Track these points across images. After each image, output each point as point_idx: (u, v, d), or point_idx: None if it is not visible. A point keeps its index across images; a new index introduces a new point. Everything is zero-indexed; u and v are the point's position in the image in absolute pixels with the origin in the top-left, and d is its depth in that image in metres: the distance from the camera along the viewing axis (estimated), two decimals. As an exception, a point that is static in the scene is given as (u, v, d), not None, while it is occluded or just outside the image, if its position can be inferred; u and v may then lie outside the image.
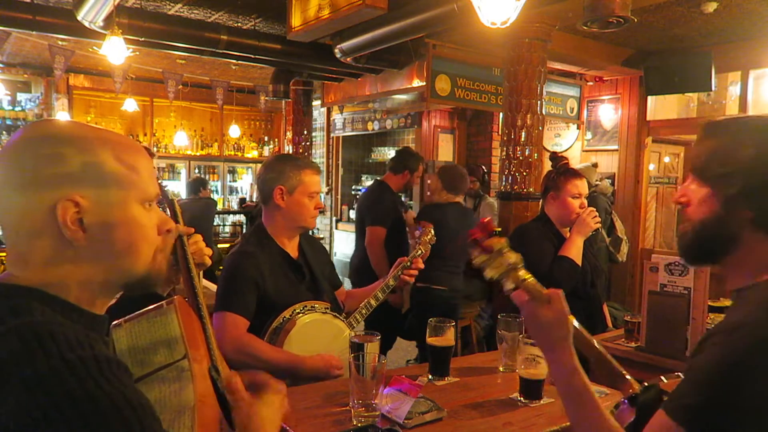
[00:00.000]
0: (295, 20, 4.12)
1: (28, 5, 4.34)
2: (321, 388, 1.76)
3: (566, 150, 6.02)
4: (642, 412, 1.01)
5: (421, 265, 2.18)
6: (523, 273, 1.07)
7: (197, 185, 6.50)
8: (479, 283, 4.52)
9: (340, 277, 2.40)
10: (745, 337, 0.86)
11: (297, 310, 1.95)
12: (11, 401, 0.64)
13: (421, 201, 6.62)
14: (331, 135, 8.34)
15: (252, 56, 5.07)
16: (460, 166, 4.30)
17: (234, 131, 8.22)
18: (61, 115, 7.12)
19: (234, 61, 5.54)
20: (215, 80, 7.14)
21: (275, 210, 2.05)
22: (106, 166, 0.80)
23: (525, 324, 1.11)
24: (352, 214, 7.07)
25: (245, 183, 9.23)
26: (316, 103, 7.19)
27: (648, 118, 5.48)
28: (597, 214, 2.54)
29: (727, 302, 2.58)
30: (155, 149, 8.13)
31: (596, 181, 4.95)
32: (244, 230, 8.29)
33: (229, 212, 8.72)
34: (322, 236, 8.03)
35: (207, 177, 8.35)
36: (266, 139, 9.26)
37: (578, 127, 5.93)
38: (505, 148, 3.99)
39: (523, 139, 3.89)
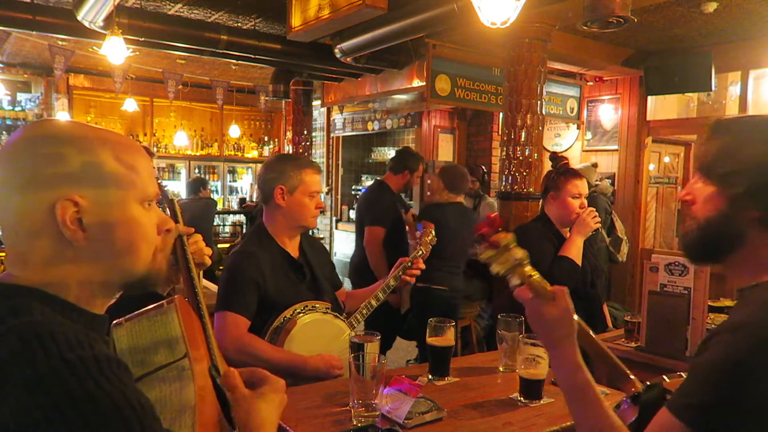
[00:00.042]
0: (295, 20, 4.12)
1: (28, 5, 4.34)
2: (321, 388, 1.76)
3: (566, 150, 6.02)
4: (645, 410, 1.01)
5: (422, 266, 2.18)
6: (529, 269, 1.07)
7: (197, 185, 6.50)
8: (479, 283, 4.52)
9: (340, 277, 2.40)
10: (747, 337, 0.86)
11: (298, 310, 1.95)
12: (11, 401, 0.64)
13: (421, 201, 6.62)
14: (331, 135, 8.34)
15: (252, 56, 5.07)
16: (461, 166, 4.30)
17: (234, 131, 8.22)
18: (61, 115, 7.12)
19: (234, 61, 5.54)
20: (215, 80, 7.14)
21: (276, 210, 2.05)
22: (105, 166, 0.80)
23: (529, 321, 1.10)
24: (352, 214, 7.07)
25: (245, 183, 9.23)
26: (316, 103, 7.20)
27: (648, 118, 5.48)
28: (597, 214, 2.54)
29: (727, 302, 2.58)
30: (155, 149, 8.13)
31: (596, 181, 4.95)
32: (244, 230, 8.30)
33: (229, 212, 8.72)
34: (322, 236, 8.04)
35: (207, 177, 8.35)
36: (266, 139, 9.26)
37: (578, 127, 5.93)
38: (505, 148, 3.99)
39: (523, 139, 3.89)
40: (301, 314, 1.94)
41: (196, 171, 8.55)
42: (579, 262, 2.47)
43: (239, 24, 4.99)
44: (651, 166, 5.73)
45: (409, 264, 2.15)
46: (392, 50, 4.85)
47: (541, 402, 1.68)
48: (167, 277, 1.18)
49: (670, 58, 4.96)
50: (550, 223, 2.58)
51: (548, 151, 5.21)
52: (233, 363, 1.70)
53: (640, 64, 5.10)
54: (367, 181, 7.93)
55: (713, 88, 4.88)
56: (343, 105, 7.52)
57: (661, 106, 5.70)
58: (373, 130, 7.58)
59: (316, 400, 1.65)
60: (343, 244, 7.98)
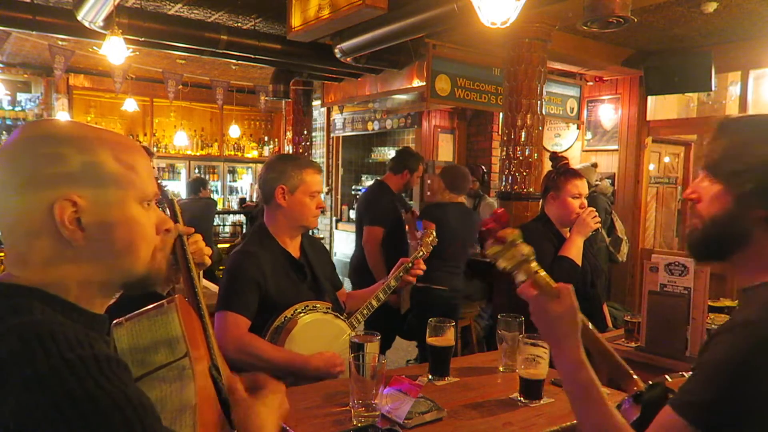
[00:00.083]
0: (295, 20, 4.12)
1: (28, 5, 4.34)
2: (321, 388, 1.76)
3: (566, 150, 6.02)
4: (647, 409, 1.01)
5: (423, 267, 2.18)
6: (535, 265, 1.07)
7: (197, 185, 6.50)
8: (479, 283, 4.53)
9: (340, 277, 2.40)
10: (751, 336, 0.86)
11: (298, 310, 1.95)
12: (11, 401, 0.64)
13: (421, 201, 6.62)
14: (331, 135, 8.34)
15: (252, 56, 5.07)
16: (462, 166, 4.30)
17: (234, 131, 8.22)
18: (61, 115, 7.12)
19: (234, 61, 5.54)
20: (215, 80, 7.15)
21: (277, 209, 2.05)
22: (105, 166, 0.80)
23: (533, 317, 1.09)
24: (352, 214, 7.07)
25: (245, 183, 9.23)
26: (316, 103, 7.20)
27: (648, 118, 5.48)
28: (597, 214, 2.54)
29: (728, 302, 2.58)
30: (155, 149, 8.13)
31: (596, 181, 4.95)
32: (244, 230, 8.29)
33: (229, 212, 8.72)
34: (322, 236, 8.04)
35: (207, 177, 8.35)
36: (266, 139, 9.26)
37: (578, 127, 5.93)
38: (505, 148, 3.99)
39: (523, 139, 3.89)
40: (302, 314, 1.94)
41: (196, 171, 8.55)
42: (579, 262, 2.47)
43: (239, 24, 5.00)
44: (651, 166, 5.74)
45: (410, 265, 2.15)
46: (392, 50, 4.85)
47: (541, 402, 1.68)
48: (167, 277, 1.18)
49: (670, 58, 4.96)
50: (550, 223, 2.58)
51: (548, 151, 5.21)
52: (234, 362, 1.71)
53: (640, 64, 5.10)
54: (367, 181, 7.93)
55: (713, 88, 4.88)
56: (343, 105, 7.53)
57: (661, 106, 5.70)
58: (373, 130, 7.58)
59: (316, 400, 1.65)
60: (343, 244, 7.98)
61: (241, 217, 8.52)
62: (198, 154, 8.64)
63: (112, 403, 0.65)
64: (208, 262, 1.34)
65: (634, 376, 1.13)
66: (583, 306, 2.41)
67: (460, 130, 7.03)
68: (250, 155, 9.10)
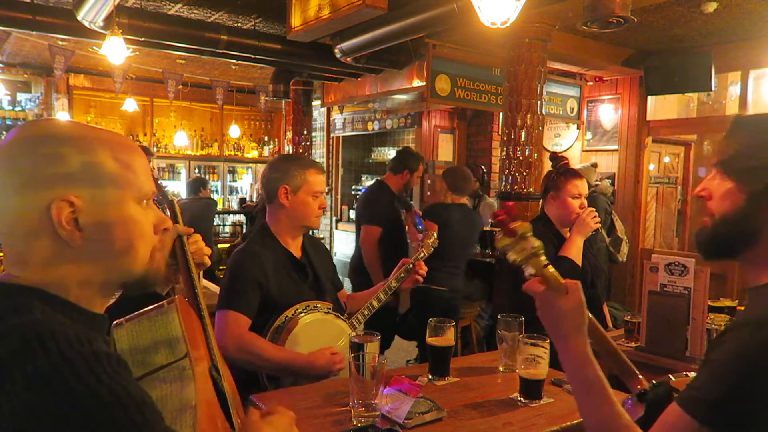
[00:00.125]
0: (295, 20, 4.12)
1: (28, 5, 4.34)
2: (321, 388, 1.76)
3: (566, 150, 6.02)
4: (651, 408, 1.01)
5: (425, 268, 2.18)
6: (544, 259, 1.06)
7: (197, 185, 6.50)
8: (479, 283, 4.53)
9: (340, 277, 2.41)
10: (760, 334, 0.86)
11: (299, 310, 1.95)
12: (13, 400, 0.64)
13: (421, 201, 6.62)
14: (331, 135, 8.34)
15: (252, 56, 5.07)
16: (464, 167, 4.31)
17: (234, 131, 8.22)
18: (61, 115, 7.12)
19: (234, 61, 5.54)
20: (215, 80, 7.15)
21: (279, 209, 2.06)
22: (103, 166, 0.80)
23: (539, 312, 1.08)
24: (352, 214, 7.07)
25: (245, 183, 9.22)
26: (316, 103, 7.20)
27: (648, 118, 5.48)
28: (597, 214, 2.54)
29: (728, 302, 2.58)
30: (155, 149, 8.13)
31: (596, 181, 4.95)
32: (244, 230, 8.29)
33: (229, 212, 8.72)
34: (322, 236, 8.03)
35: (207, 177, 8.35)
36: (266, 139, 9.26)
37: (578, 127, 5.93)
38: (505, 148, 3.99)
39: (523, 139, 3.89)
40: (303, 314, 1.94)
41: (196, 171, 8.55)
42: (579, 262, 2.47)
43: (239, 24, 5.00)
44: (651, 166, 5.74)
45: (411, 266, 2.15)
46: (392, 50, 4.85)
47: (541, 402, 1.68)
48: (166, 277, 1.18)
49: (670, 58, 4.96)
50: (550, 223, 2.58)
51: (548, 151, 5.21)
52: (234, 362, 1.71)
53: (640, 64, 5.10)
54: (367, 181, 7.93)
55: (713, 88, 4.88)
56: (343, 105, 7.53)
57: (661, 106, 5.70)
58: (373, 130, 7.58)
59: (316, 400, 1.65)
60: (343, 244, 7.98)
61: (241, 217, 8.52)
62: (198, 154, 8.64)
63: (114, 400, 0.66)
64: (208, 262, 1.34)
65: (639, 375, 1.12)
66: (583, 306, 2.35)
67: (460, 130, 7.03)
68: (250, 155, 9.10)
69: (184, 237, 1.20)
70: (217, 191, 8.76)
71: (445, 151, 6.98)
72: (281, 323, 1.92)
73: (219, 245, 7.09)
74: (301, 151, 6.62)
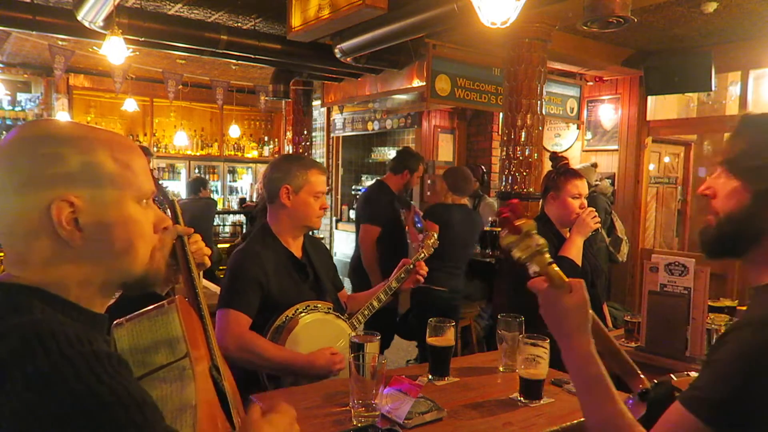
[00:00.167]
0: (295, 20, 4.12)
1: (28, 5, 4.34)
2: (321, 388, 1.76)
3: (566, 150, 6.02)
4: (653, 407, 1.01)
5: (425, 269, 2.18)
6: (548, 257, 1.07)
7: (197, 185, 6.50)
8: (479, 283, 4.53)
9: (341, 277, 2.41)
10: (764, 334, 0.86)
11: (300, 310, 1.95)
12: (13, 400, 0.64)
13: (421, 201, 6.62)
14: (331, 135, 8.34)
15: (252, 56, 5.07)
16: (465, 167, 4.31)
17: (234, 131, 8.22)
18: (61, 115, 7.12)
19: (234, 61, 5.54)
20: (215, 80, 7.15)
21: (281, 209, 2.06)
22: (103, 166, 0.80)
23: (543, 311, 1.08)
24: (353, 214, 7.07)
25: (245, 183, 9.22)
26: (316, 103, 7.20)
27: (648, 118, 5.48)
28: (597, 214, 2.54)
29: (728, 302, 2.58)
30: (155, 149, 8.13)
31: (596, 181, 4.95)
32: (244, 230, 8.29)
33: (229, 212, 8.72)
34: (322, 236, 8.04)
35: (207, 177, 8.35)
36: (266, 139, 9.26)
37: (578, 127, 5.93)
38: (505, 148, 3.99)
39: (523, 139, 3.89)
40: (303, 314, 1.95)
41: (196, 171, 8.55)
42: (579, 262, 2.47)
43: (239, 24, 5.00)
44: (651, 166, 5.74)
45: (412, 266, 2.15)
46: (392, 50, 4.85)
47: (541, 402, 1.68)
48: (166, 278, 1.18)
49: (670, 58, 4.96)
50: (550, 223, 2.58)
51: (548, 151, 5.21)
52: (234, 361, 1.71)
53: (640, 64, 5.10)
54: (367, 181, 7.93)
55: (713, 88, 4.88)
56: (343, 105, 7.53)
57: (661, 106, 5.70)
58: (373, 130, 7.58)
59: (316, 400, 1.65)
60: (343, 244, 7.98)
61: (241, 217, 8.52)
62: (198, 154, 8.64)
63: (115, 399, 0.66)
64: (208, 263, 1.34)
65: (641, 375, 1.12)
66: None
67: (460, 130, 7.03)
68: (250, 155, 9.10)
69: (185, 237, 1.20)
70: (217, 191, 8.76)
71: (445, 151, 6.98)
72: (281, 323, 1.92)
73: (219, 245, 7.09)
74: (301, 151, 6.62)
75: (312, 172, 2.06)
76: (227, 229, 8.61)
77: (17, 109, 7.20)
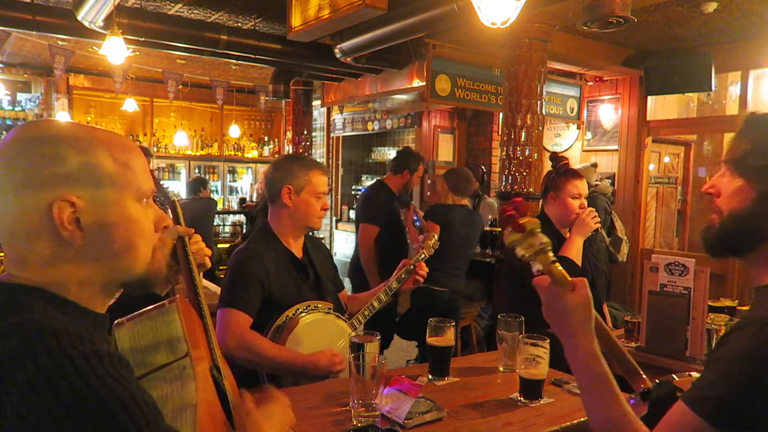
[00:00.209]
0: (295, 20, 4.12)
1: (28, 5, 4.34)
2: (321, 388, 1.76)
3: (566, 150, 6.02)
4: (655, 406, 1.01)
5: (425, 270, 2.18)
6: (551, 255, 1.07)
7: (197, 185, 6.50)
8: (479, 283, 4.53)
9: (341, 277, 2.41)
10: (765, 331, 0.86)
11: (300, 310, 1.95)
12: (15, 399, 0.64)
13: (421, 201, 6.62)
14: (331, 135, 8.34)
15: (252, 56, 5.07)
16: (466, 168, 4.32)
17: (234, 131, 8.22)
18: (61, 115, 7.12)
19: (234, 61, 5.54)
20: (215, 80, 7.14)
21: (282, 209, 2.06)
22: (102, 166, 0.80)
23: (545, 309, 1.08)
24: (353, 215, 7.07)
25: (245, 183, 9.22)
26: (316, 103, 7.20)
27: (648, 118, 5.48)
28: (596, 214, 2.54)
29: (728, 302, 2.58)
30: (155, 149, 8.13)
31: (596, 181, 4.95)
32: (244, 230, 8.29)
33: (229, 212, 8.72)
34: (322, 236, 8.03)
35: (207, 177, 8.35)
36: (266, 139, 9.26)
37: (578, 127, 5.93)
38: (505, 148, 3.99)
39: (523, 139, 3.90)
40: (304, 314, 1.95)
41: (196, 171, 8.55)
42: (579, 262, 2.47)
43: (239, 24, 5.00)
44: (651, 166, 5.74)
45: (412, 267, 2.15)
46: (392, 50, 4.85)
47: (541, 402, 1.68)
48: (166, 278, 1.18)
49: (670, 58, 4.96)
50: (549, 223, 2.58)
51: (548, 151, 5.21)
52: (235, 360, 1.71)
53: (640, 64, 5.10)
54: (367, 181, 7.93)
55: (713, 88, 4.88)
56: (343, 105, 7.52)
57: (661, 106, 5.70)
58: (373, 130, 7.58)
59: (316, 400, 1.65)
60: (343, 244, 7.98)
61: (241, 217, 8.52)
62: (198, 154, 8.64)
63: (116, 399, 0.66)
64: (209, 263, 1.34)
65: (643, 375, 1.12)
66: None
67: (460, 130, 7.03)
68: (250, 155, 9.09)
69: (186, 237, 1.20)
70: (217, 191, 8.76)
71: (445, 151, 6.98)
72: (282, 323, 1.93)
73: (219, 245, 7.09)
74: (301, 151, 6.62)
75: (314, 173, 2.07)
76: (227, 229, 8.61)
77: (17, 109, 7.20)
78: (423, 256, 2.21)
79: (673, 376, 1.11)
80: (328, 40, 4.65)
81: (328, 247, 7.88)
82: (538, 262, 1.06)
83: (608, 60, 5.01)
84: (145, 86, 7.53)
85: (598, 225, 2.56)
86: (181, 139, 8.07)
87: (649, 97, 5.41)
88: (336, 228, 8.22)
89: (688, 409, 0.88)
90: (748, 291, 4.57)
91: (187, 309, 0.98)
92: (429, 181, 6.58)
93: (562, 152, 5.75)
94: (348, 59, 4.74)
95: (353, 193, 8.18)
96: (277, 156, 9.04)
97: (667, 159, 6.13)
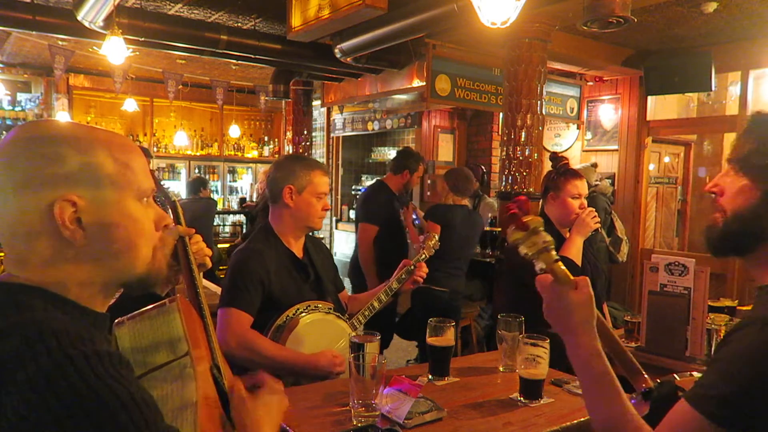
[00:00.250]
0: (295, 20, 4.12)
1: (28, 5, 4.34)
2: (321, 388, 1.76)
3: (566, 150, 6.02)
4: (657, 406, 1.01)
5: (426, 270, 2.19)
6: (554, 254, 1.07)
7: (197, 185, 6.50)
8: (479, 283, 4.53)
9: (340, 277, 2.41)
10: None
11: (300, 310, 1.96)
12: (15, 398, 0.64)
13: (421, 201, 6.62)
14: (331, 135, 8.34)
15: (252, 56, 5.08)
16: (467, 168, 4.33)
17: (234, 131, 8.22)
18: (61, 115, 7.12)
19: (234, 61, 5.54)
20: (215, 80, 7.15)
21: (283, 209, 2.06)
22: (102, 166, 0.80)
23: (547, 307, 1.08)
24: (353, 215, 7.07)
25: (245, 183, 9.22)
26: (316, 103, 7.20)
27: (648, 118, 5.48)
28: (596, 214, 2.54)
29: (728, 302, 2.58)
30: (155, 149, 8.13)
31: (596, 181, 4.95)
32: (244, 230, 8.29)
33: (229, 212, 8.72)
34: (322, 236, 8.03)
35: (207, 177, 8.35)
36: (266, 139, 9.26)
37: (578, 127, 5.93)
38: (505, 148, 3.99)
39: (523, 139, 3.90)
40: (304, 314, 1.95)
41: (196, 171, 8.55)
42: (579, 262, 2.47)
43: (239, 24, 5.00)
44: (651, 166, 5.74)
45: (412, 267, 2.16)
46: (392, 50, 4.85)
47: (541, 402, 1.68)
48: (167, 278, 1.18)
49: (670, 58, 4.96)
50: (549, 223, 2.58)
51: (548, 151, 5.21)
52: (235, 359, 1.72)
53: (640, 64, 5.10)
54: (367, 181, 7.93)
55: (713, 88, 4.88)
56: (343, 105, 7.52)
57: (661, 106, 5.70)
58: (373, 130, 7.58)
59: (316, 400, 1.65)
60: (343, 244, 7.98)
61: (241, 217, 8.52)
62: (198, 154, 8.64)
63: (116, 399, 0.66)
64: (209, 263, 1.34)
65: (644, 374, 1.13)
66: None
67: (460, 130, 7.03)
68: (250, 155, 9.09)
69: (186, 238, 1.20)
70: (217, 191, 8.76)
71: (445, 151, 6.98)
72: (282, 322, 1.93)
73: (219, 245, 7.09)
74: (301, 151, 6.62)
75: (315, 173, 2.07)
76: (227, 229, 8.61)
77: (17, 109, 7.20)
78: (423, 256, 2.21)
79: (675, 375, 1.11)
80: (328, 40, 4.65)
81: (328, 247, 7.88)
82: (541, 261, 1.06)
83: (608, 60, 5.01)
84: (145, 86, 7.53)
85: (598, 225, 2.56)
86: (181, 139, 8.07)
87: (649, 97, 5.41)
88: (336, 228, 8.23)
89: (690, 408, 0.88)
90: (748, 291, 4.57)
91: (188, 309, 0.98)
92: (429, 181, 6.59)
93: (562, 152, 5.75)
94: (348, 59, 4.74)
95: (353, 193, 8.18)
96: (277, 156, 9.05)
97: (667, 159, 6.14)
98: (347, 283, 3.40)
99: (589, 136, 5.90)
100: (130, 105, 7.07)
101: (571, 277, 1.07)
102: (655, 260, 2.26)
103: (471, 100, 4.80)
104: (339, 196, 8.26)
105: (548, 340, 1.69)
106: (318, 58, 5.23)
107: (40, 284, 0.77)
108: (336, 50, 4.64)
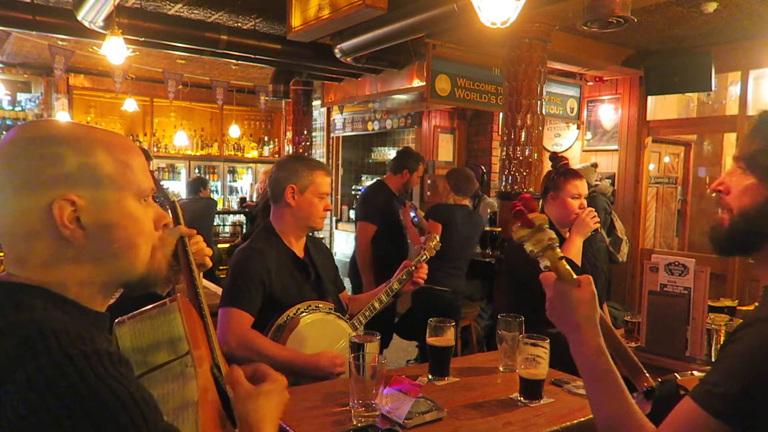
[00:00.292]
0: (295, 20, 4.12)
1: (28, 5, 4.34)
2: (321, 388, 1.76)
3: (566, 150, 6.02)
4: (659, 405, 1.01)
5: (426, 270, 2.19)
6: (558, 252, 1.07)
7: (197, 185, 6.50)
8: (479, 283, 4.53)
9: (340, 276, 2.41)
10: None
11: (301, 309, 1.96)
12: (14, 397, 0.64)
13: (421, 201, 6.62)
14: (331, 135, 8.34)
15: (252, 56, 5.08)
16: (468, 168, 4.33)
17: (234, 131, 8.22)
18: (61, 115, 7.12)
19: (234, 61, 5.54)
20: (215, 80, 7.15)
21: (285, 208, 2.07)
22: (102, 167, 0.80)
23: (549, 305, 1.08)
24: (353, 215, 7.07)
25: (245, 183, 9.22)
26: (316, 103, 7.20)
27: (648, 118, 5.48)
28: (596, 214, 2.54)
29: (728, 302, 2.58)
30: (155, 149, 8.13)
31: (596, 181, 4.95)
32: (244, 230, 8.29)
33: (229, 212, 8.71)
34: (322, 236, 8.03)
35: (207, 177, 8.34)
36: (266, 139, 9.26)
37: (578, 127, 5.93)
38: (505, 148, 3.99)
39: (523, 139, 3.90)
40: (305, 314, 1.95)
41: (196, 171, 8.55)
42: (578, 262, 2.47)
43: (239, 24, 5.00)
44: (651, 166, 5.74)
45: (413, 267, 2.16)
46: (392, 50, 4.85)
47: (541, 402, 1.68)
48: (166, 278, 1.18)
49: (670, 58, 4.96)
50: (549, 223, 2.58)
51: (548, 151, 5.21)
52: (236, 359, 1.71)
53: (640, 64, 5.10)
54: (367, 181, 7.93)
55: (713, 88, 4.88)
56: (343, 105, 7.52)
57: (661, 106, 5.70)
58: (373, 130, 7.58)
59: (316, 400, 1.65)
60: (343, 244, 7.98)
61: (241, 217, 8.52)
62: (198, 154, 8.64)
63: (115, 398, 0.66)
64: (209, 263, 1.34)
65: (646, 374, 1.13)
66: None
67: (460, 130, 7.03)
68: (250, 155, 9.10)
69: (186, 238, 1.20)
70: (217, 191, 8.76)
71: (445, 151, 6.98)
72: (283, 322, 1.93)
73: (219, 245, 7.09)
74: (301, 151, 6.63)
75: (318, 173, 2.08)
76: (227, 229, 8.61)
77: (17, 109, 7.20)
78: (424, 257, 2.21)
79: (676, 375, 1.11)
80: (328, 40, 4.65)
81: (328, 247, 7.87)
82: (546, 258, 1.06)
83: (608, 60, 5.01)
84: (145, 86, 7.53)
85: (598, 225, 2.56)
86: (181, 139, 8.07)
87: (649, 97, 5.41)
88: (336, 228, 8.23)
89: (695, 406, 0.88)
90: (748, 291, 4.57)
91: (188, 308, 0.98)
92: (429, 181, 6.59)
93: (562, 152, 5.75)
94: (348, 59, 4.74)
95: (353, 193, 8.18)
96: (277, 156, 9.05)
97: (667, 159, 6.14)
98: (347, 283, 3.40)
99: (589, 136, 5.90)
100: (130, 105, 7.07)
101: (574, 276, 1.07)
102: (655, 260, 2.26)
103: (471, 100, 4.81)
104: (339, 196, 8.26)
105: (548, 340, 1.69)
106: (318, 58, 5.23)
107: (40, 284, 0.77)
108: (336, 50, 4.64)
